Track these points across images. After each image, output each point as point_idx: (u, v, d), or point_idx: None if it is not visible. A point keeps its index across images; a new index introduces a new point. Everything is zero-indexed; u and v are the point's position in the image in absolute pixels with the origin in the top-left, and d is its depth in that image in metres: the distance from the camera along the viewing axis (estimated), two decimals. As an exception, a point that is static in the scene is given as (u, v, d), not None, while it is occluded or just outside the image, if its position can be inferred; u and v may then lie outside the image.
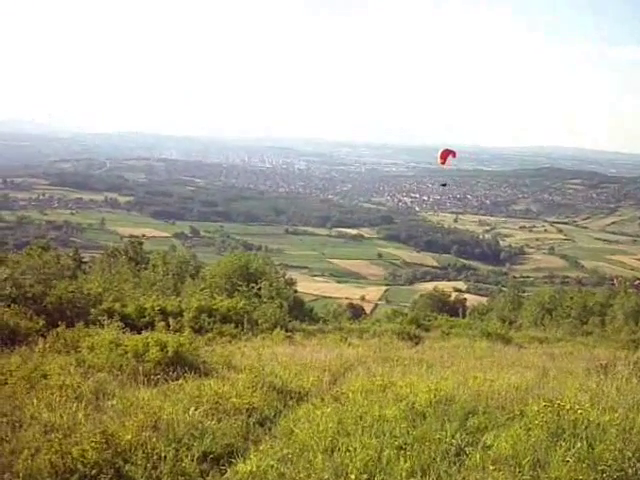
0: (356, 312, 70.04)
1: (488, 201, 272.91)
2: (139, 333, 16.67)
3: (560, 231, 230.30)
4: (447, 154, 27.02)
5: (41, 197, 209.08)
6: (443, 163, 27.31)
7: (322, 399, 11.03)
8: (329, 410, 9.96)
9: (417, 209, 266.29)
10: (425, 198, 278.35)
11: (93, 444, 7.33)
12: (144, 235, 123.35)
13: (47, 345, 14.50)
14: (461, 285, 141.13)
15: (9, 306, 17.29)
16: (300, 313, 38.98)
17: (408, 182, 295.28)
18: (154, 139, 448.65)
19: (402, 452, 7.83)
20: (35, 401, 9.38)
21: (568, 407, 8.99)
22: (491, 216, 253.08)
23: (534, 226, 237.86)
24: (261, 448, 8.39)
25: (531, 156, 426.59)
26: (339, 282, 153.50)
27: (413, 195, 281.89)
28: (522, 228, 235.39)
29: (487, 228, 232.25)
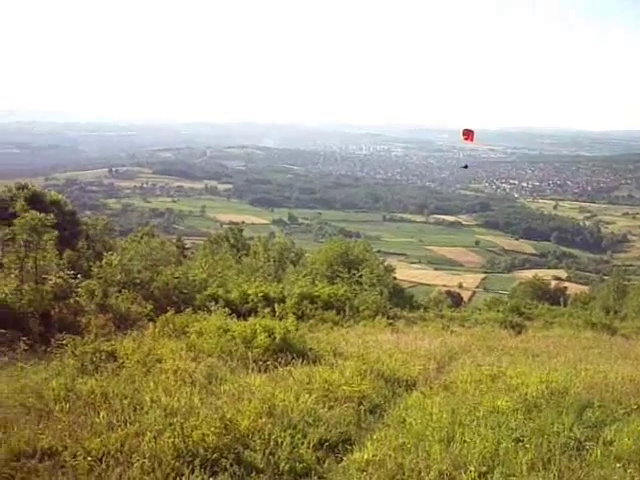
0: (454, 299, 69.76)
1: (589, 187, 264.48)
2: (244, 319, 16.99)
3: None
4: (468, 133, 28.19)
5: (144, 185, 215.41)
6: (467, 139, 28.44)
7: (430, 388, 11.01)
8: (439, 399, 9.92)
9: (516, 196, 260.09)
10: (524, 184, 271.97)
11: (213, 429, 7.51)
12: (243, 222, 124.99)
13: (157, 330, 14.93)
14: (561, 273, 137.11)
15: (120, 291, 17.86)
16: (400, 300, 38.84)
17: (506, 168, 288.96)
18: (253, 128, 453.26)
19: (520, 445, 7.70)
20: (152, 384, 9.71)
21: (693, 403, 8.69)
22: (592, 203, 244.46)
23: (638, 213, 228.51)
24: (375, 437, 8.40)
25: (637, 140, 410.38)
26: (436, 269, 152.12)
27: (512, 181, 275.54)
28: (625, 215, 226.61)
29: (588, 215, 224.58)
